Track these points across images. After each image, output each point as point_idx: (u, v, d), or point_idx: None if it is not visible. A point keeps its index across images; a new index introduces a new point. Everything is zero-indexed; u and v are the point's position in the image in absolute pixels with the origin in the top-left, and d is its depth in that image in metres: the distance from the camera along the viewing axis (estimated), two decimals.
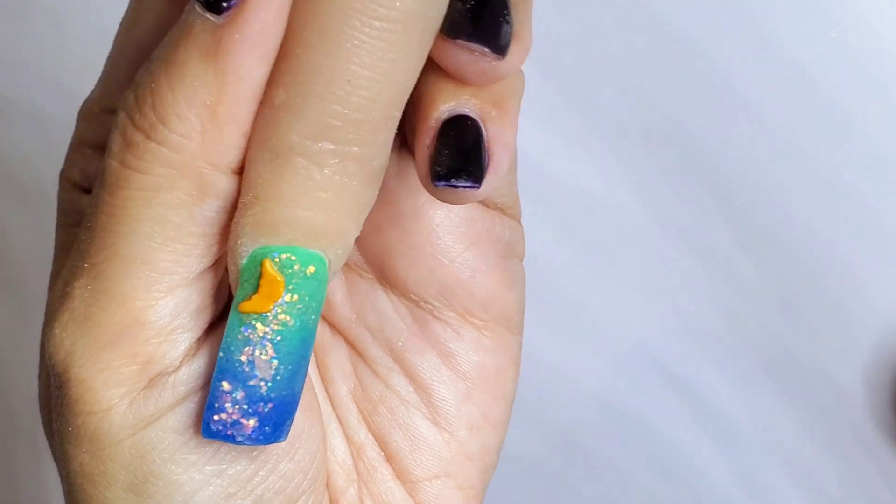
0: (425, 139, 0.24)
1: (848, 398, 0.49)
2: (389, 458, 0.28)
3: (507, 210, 0.28)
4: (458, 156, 0.23)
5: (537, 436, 0.51)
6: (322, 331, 0.28)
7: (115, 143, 0.23)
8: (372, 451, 0.28)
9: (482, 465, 0.29)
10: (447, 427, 0.28)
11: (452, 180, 0.23)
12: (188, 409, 0.23)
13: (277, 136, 0.22)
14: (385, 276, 0.28)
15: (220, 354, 0.23)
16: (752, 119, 0.50)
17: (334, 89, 0.21)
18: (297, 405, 0.24)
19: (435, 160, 0.23)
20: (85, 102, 0.27)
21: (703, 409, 0.50)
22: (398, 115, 0.23)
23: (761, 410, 0.50)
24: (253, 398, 0.23)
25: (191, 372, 0.23)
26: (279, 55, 0.22)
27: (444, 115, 0.23)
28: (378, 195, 0.27)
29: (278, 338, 0.22)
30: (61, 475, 0.25)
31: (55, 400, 0.24)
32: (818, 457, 0.50)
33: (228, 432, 0.23)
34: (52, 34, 0.52)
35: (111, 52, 0.27)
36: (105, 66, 0.27)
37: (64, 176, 0.27)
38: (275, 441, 0.23)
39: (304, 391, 0.25)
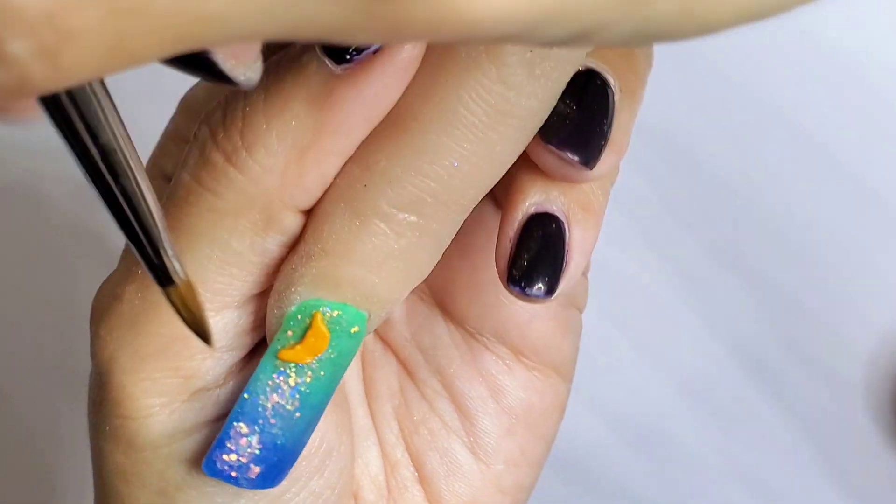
0: (509, 231, 0.23)
1: (848, 398, 0.49)
2: (423, 479, 0.28)
3: None
4: (536, 261, 0.23)
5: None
6: (374, 346, 0.28)
7: (192, 157, 0.23)
8: (406, 471, 0.28)
9: (512, 502, 0.29)
10: (485, 458, 0.28)
11: (525, 288, 0.23)
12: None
13: (366, 199, 0.22)
14: (445, 305, 0.28)
15: (244, 395, 0.23)
16: (753, 118, 0.50)
17: (437, 168, 0.21)
18: (299, 455, 0.24)
19: (514, 261, 0.23)
20: (186, 96, 0.27)
21: (702, 408, 0.50)
22: (482, 195, 0.22)
23: (761, 410, 0.50)
24: (266, 445, 0.23)
25: (233, 390, 0.24)
26: (387, 120, 0.22)
27: (531, 210, 0.23)
28: None
29: (307, 390, 0.22)
30: (94, 470, 0.25)
31: (96, 395, 0.24)
32: (818, 456, 0.49)
33: (233, 474, 0.23)
34: None
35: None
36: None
37: (153, 163, 0.27)
38: (270, 487, 0.23)
39: (337, 409, 0.25)
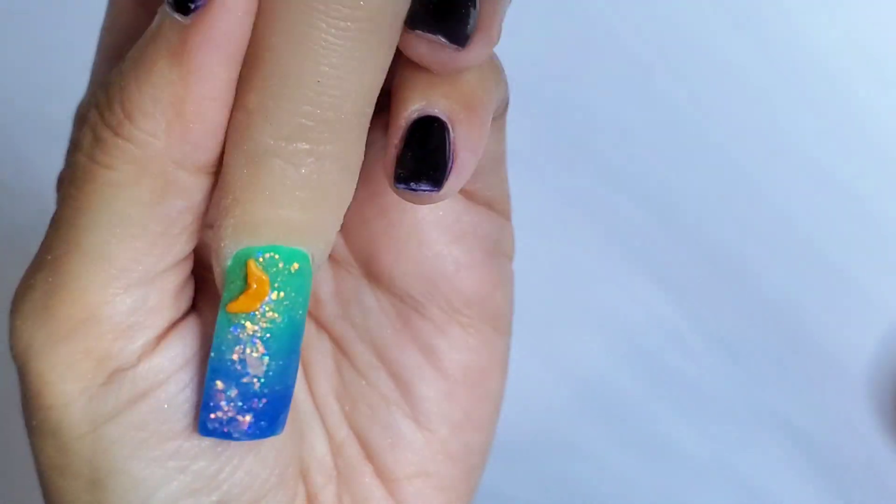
0: (394, 139, 0.24)
1: (848, 398, 0.49)
2: (369, 456, 0.28)
3: (495, 206, 0.28)
4: (420, 159, 0.23)
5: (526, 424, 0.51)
6: (307, 327, 0.28)
7: (85, 139, 0.23)
8: (352, 449, 0.28)
9: (465, 467, 0.28)
10: (428, 425, 0.28)
11: (412, 183, 0.23)
12: (149, 405, 0.23)
13: (252, 139, 0.22)
14: (371, 270, 0.27)
15: (212, 354, 0.23)
16: (753, 118, 0.50)
17: (304, 91, 0.22)
18: (290, 398, 0.24)
19: (399, 162, 0.23)
20: (78, 106, 0.28)
21: (702, 407, 0.50)
22: (370, 110, 0.23)
23: (761, 410, 0.50)
24: (247, 395, 0.23)
25: (150, 368, 0.23)
26: (248, 59, 0.22)
27: (414, 116, 0.23)
28: (365, 188, 0.27)
29: (268, 335, 0.23)
30: (36, 468, 0.25)
31: (21, 393, 0.24)
32: (818, 456, 0.49)
33: (225, 429, 0.23)
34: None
35: (95, 58, 0.27)
36: (91, 70, 0.28)
37: (60, 178, 0.28)
38: (272, 434, 0.24)
39: None
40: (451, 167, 0.23)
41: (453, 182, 0.23)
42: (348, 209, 0.27)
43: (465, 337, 0.28)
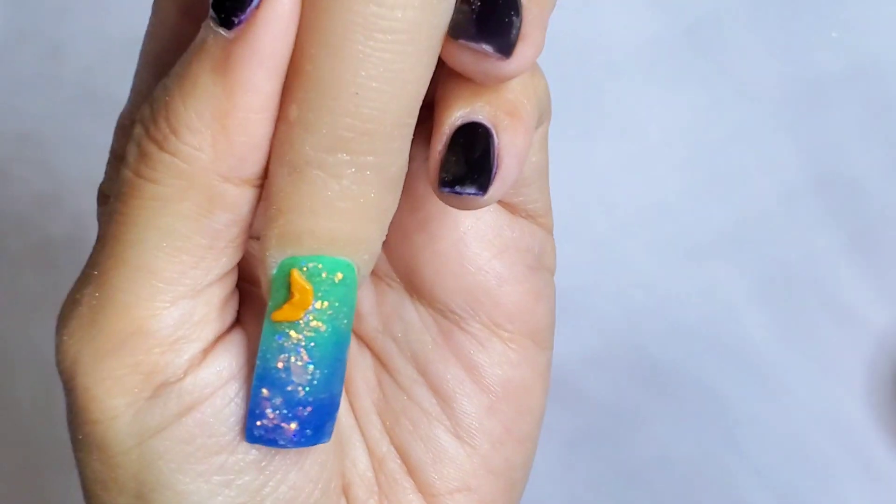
0: (437, 145, 0.24)
1: (848, 398, 0.49)
2: (411, 470, 0.28)
3: (537, 219, 0.28)
4: (465, 163, 0.23)
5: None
6: None
7: (131, 154, 0.23)
8: (393, 464, 0.28)
9: (507, 482, 0.28)
10: (469, 440, 0.27)
11: (457, 187, 0.23)
12: (195, 419, 0.23)
13: (293, 150, 0.22)
14: (412, 285, 0.27)
15: (258, 363, 0.23)
16: (754, 117, 0.50)
17: (343, 102, 0.22)
18: (337, 406, 0.24)
19: (443, 166, 0.23)
20: (119, 117, 0.28)
21: (704, 407, 0.50)
22: (411, 121, 0.23)
23: (760, 409, 0.50)
24: (291, 403, 0.23)
25: (196, 382, 0.23)
26: (290, 72, 0.22)
27: (458, 122, 0.23)
28: (406, 201, 0.27)
29: (312, 344, 0.23)
30: (80, 482, 0.25)
31: (67, 405, 0.24)
32: (818, 456, 0.49)
33: (271, 436, 0.23)
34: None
35: (137, 67, 0.27)
36: (133, 80, 0.28)
37: (101, 191, 0.28)
38: (318, 442, 0.24)
39: None
40: (496, 172, 0.23)
41: (498, 187, 0.23)
42: (391, 223, 0.27)
43: (507, 352, 0.27)
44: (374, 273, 0.28)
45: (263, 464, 0.24)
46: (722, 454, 0.49)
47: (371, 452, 0.28)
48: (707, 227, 0.51)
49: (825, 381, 0.49)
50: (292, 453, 0.25)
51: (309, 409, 0.23)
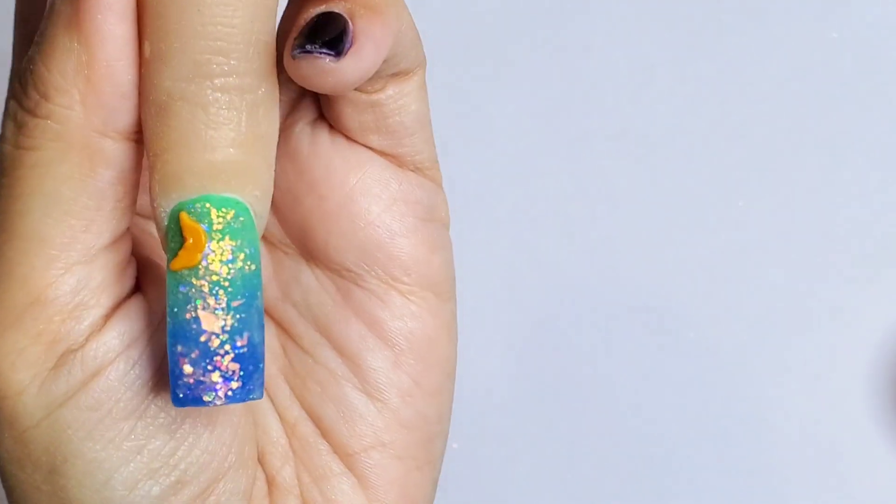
0: (293, 33, 0.23)
1: (848, 398, 0.49)
2: (324, 432, 0.28)
3: (425, 171, 0.28)
4: (318, 34, 0.23)
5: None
6: None
7: (8, 129, 0.23)
8: (306, 428, 0.28)
9: (422, 435, 0.28)
10: (378, 396, 0.28)
11: (307, 46, 0.23)
12: (101, 385, 0.23)
13: (155, 88, 0.22)
14: (306, 248, 0.28)
15: (168, 320, 0.23)
16: (754, 118, 0.50)
17: (188, 24, 0.22)
18: (261, 357, 0.23)
19: (296, 39, 0.23)
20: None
21: (703, 408, 0.50)
22: (267, 38, 0.23)
23: (760, 410, 0.50)
24: (208, 353, 0.22)
25: (99, 348, 0.23)
26: (139, 11, 0.22)
27: (313, 14, 0.23)
28: (293, 166, 0.27)
29: (217, 289, 0.22)
30: None
31: None
32: (818, 456, 0.49)
33: (196, 394, 0.23)
34: None
35: (13, 50, 0.27)
36: (12, 64, 0.28)
37: None
38: (248, 397, 0.23)
39: None
40: (351, 44, 0.23)
41: (353, 61, 0.23)
42: (279, 188, 0.27)
43: (407, 304, 0.28)
44: (266, 240, 0.28)
45: (174, 427, 0.24)
46: (721, 454, 0.49)
47: (282, 419, 0.28)
48: (708, 227, 0.50)
49: (825, 381, 0.49)
50: (203, 416, 0.25)
51: (228, 357, 0.23)
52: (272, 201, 0.27)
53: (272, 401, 0.28)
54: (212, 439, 0.25)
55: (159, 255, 0.27)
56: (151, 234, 0.27)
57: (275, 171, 0.25)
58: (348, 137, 0.27)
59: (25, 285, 0.23)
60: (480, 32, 0.50)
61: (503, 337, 0.50)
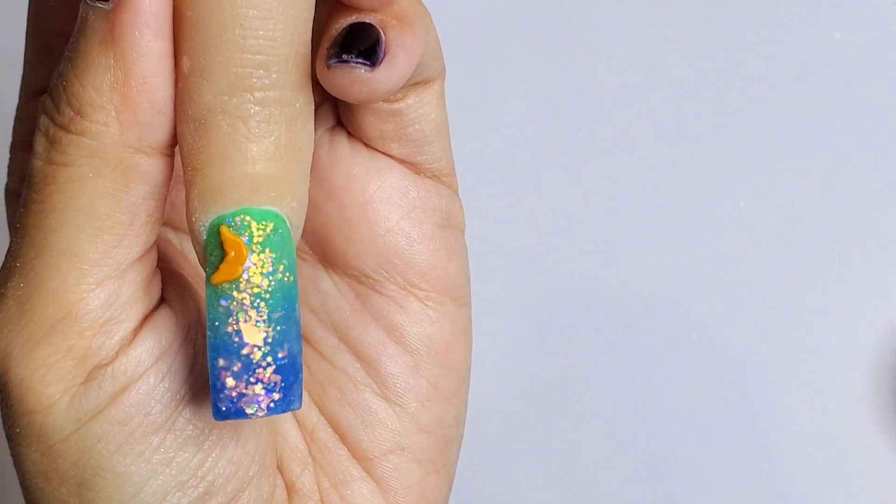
0: (326, 43, 0.23)
1: (848, 398, 0.49)
2: (343, 437, 0.28)
3: (442, 178, 0.28)
4: (352, 44, 0.23)
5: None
6: None
7: (40, 145, 0.23)
8: (325, 433, 0.28)
9: (440, 439, 0.29)
10: (397, 401, 0.28)
11: (344, 56, 0.23)
12: (131, 399, 0.23)
13: (195, 102, 0.22)
14: (325, 255, 0.28)
15: (209, 334, 0.23)
16: (755, 119, 0.50)
17: (229, 38, 0.22)
18: (300, 368, 0.23)
19: (330, 49, 0.23)
20: (16, 109, 0.27)
21: (704, 408, 0.50)
22: (305, 51, 0.23)
23: (761, 410, 0.50)
24: (250, 366, 0.22)
25: (129, 362, 0.23)
26: (176, 26, 0.22)
27: (345, 24, 0.23)
28: (312, 172, 0.27)
29: (258, 301, 0.22)
30: (19, 477, 0.25)
31: (1, 403, 0.24)
32: (819, 456, 0.49)
33: (238, 407, 0.23)
34: None
35: (25, 58, 0.27)
36: (23, 72, 0.27)
37: (9, 191, 0.28)
38: (289, 408, 0.23)
39: None
40: (384, 56, 0.23)
41: (387, 71, 0.23)
42: None
43: (425, 310, 0.28)
44: None
45: (201, 439, 0.24)
46: (723, 454, 0.49)
47: (301, 425, 0.28)
48: (709, 228, 0.51)
49: (826, 381, 0.49)
50: (229, 427, 0.25)
51: (270, 370, 0.23)
52: None
53: None
54: (237, 450, 0.25)
55: (180, 264, 0.27)
56: (171, 243, 0.27)
57: None
58: (367, 145, 0.27)
59: (57, 300, 0.23)
60: (481, 33, 0.50)
61: (505, 337, 0.50)
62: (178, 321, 0.24)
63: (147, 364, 0.24)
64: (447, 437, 0.29)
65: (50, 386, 0.23)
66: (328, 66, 0.23)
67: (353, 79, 0.23)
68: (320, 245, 0.28)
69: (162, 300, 0.25)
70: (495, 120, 0.51)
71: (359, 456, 0.28)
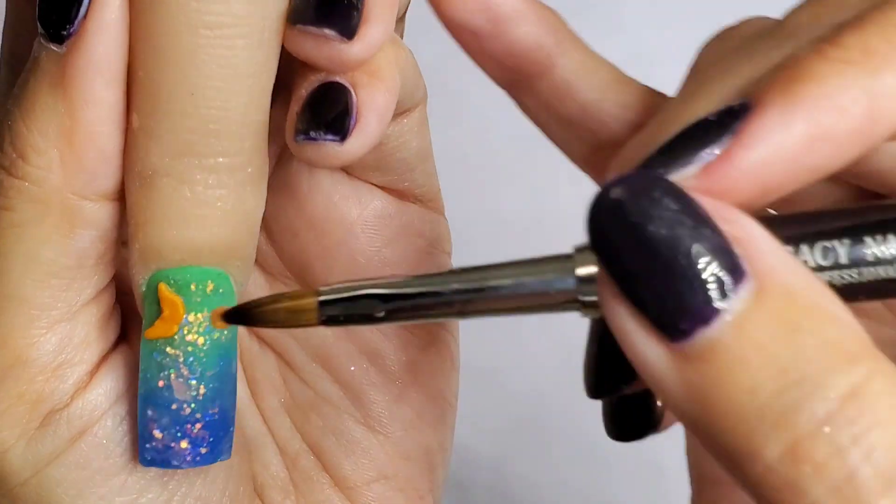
0: (295, 105, 0.22)
1: None
2: (325, 465, 0.27)
3: (427, 203, 0.27)
4: (322, 113, 0.22)
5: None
6: (250, 345, 0.27)
7: None
8: (307, 461, 0.27)
9: (425, 466, 0.28)
10: (381, 430, 0.27)
11: (312, 133, 0.22)
12: (89, 442, 0.23)
13: (141, 160, 0.22)
14: (306, 281, 0.27)
15: (140, 384, 0.23)
16: None
17: (179, 105, 0.21)
18: (231, 421, 0.23)
19: (300, 119, 0.22)
20: None
21: None
22: (261, 117, 0.22)
23: None
24: (179, 421, 0.22)
25: (84, 406, 0.23)
26: (129, 79, 0.22)
27: (315, 84, 0.22)
28: (292, 202, 0.26)
29: (191, 359, 0.22)
30: None
31: None
32: None
33: (163, 457, 0.23)
34: None
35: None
36: None
37: None
38: (215, 460, 0.23)
39: None
40: (355, 124, 0.22)
41: (357, 139, 0.22)
42: (278, 223, 0.26)
43: (409, 338, 0.27)
44: (266, 272, 0.27)
45: (165, 479, 0.24)
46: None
47: (283, 452, 0.27)
48: None
49: None
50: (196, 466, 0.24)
51: (199, 425, 0.22)
52: (271, 234, 0.26)
53: (272, 434, 0.28)
54: (205, 486, 0.24)
55: None
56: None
57: (274, 207, 0.25)
58: (348, 173, 0.26)
59: (6, 346, 0.22)
60: None
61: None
62: (137, 360, 0.24)
63: (104, 407, 0.23)
64: (432, 464, 0.28)
65: (3, 431, 0.23)
66: (297, 142, 0.22)
67: (323, 154, 0.22)
68: (301, 272, 0.27)
69: (122, 339, 0.24)
70: (496, 119, 0.50)
71: (341, 484, 0.27)
